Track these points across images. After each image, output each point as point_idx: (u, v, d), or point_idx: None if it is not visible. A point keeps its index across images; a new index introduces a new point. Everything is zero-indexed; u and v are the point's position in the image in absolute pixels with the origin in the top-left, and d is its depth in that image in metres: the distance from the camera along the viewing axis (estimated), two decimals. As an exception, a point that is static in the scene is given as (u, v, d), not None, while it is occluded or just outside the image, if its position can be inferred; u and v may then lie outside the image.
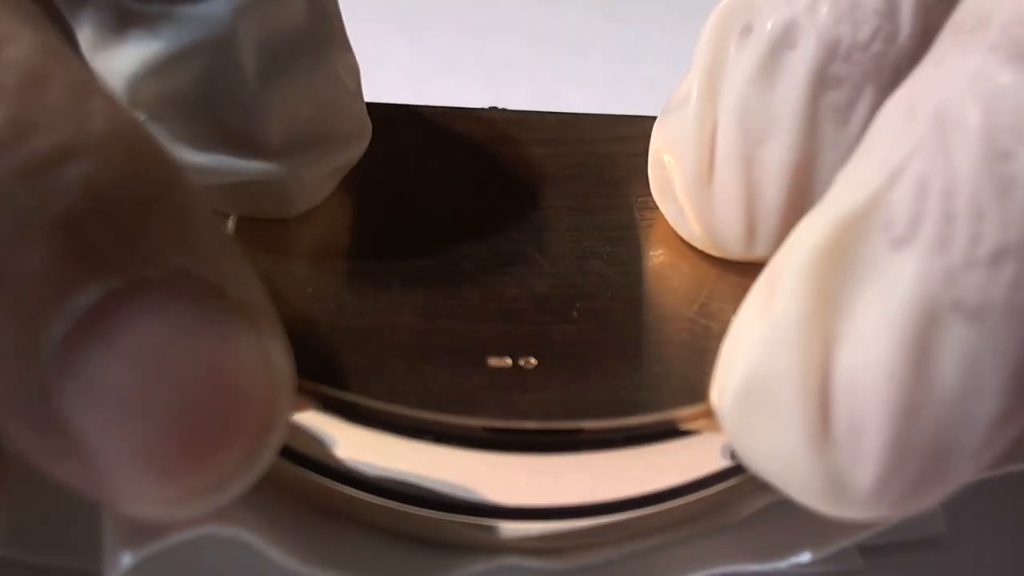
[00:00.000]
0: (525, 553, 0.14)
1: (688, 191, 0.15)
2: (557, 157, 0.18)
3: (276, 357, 0.10)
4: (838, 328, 0.11)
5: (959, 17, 0.11)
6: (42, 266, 0.09)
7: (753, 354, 0.11)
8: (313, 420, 0.13)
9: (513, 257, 0.15)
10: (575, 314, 0.14)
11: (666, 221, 0.16)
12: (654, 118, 0.18)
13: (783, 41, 0.14)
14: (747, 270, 0.15)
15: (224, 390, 0.10)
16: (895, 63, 0.14)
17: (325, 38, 0.15)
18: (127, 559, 0.12)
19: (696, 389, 0.13)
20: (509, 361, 0.13)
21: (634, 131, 0.18)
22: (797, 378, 0.11)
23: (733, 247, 0.15)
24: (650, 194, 0.16)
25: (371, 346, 0.13)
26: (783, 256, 0.12)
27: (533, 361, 0.13)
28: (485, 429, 0.13)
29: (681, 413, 0.13)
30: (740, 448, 0.12)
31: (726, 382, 0.12)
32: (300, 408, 0.13)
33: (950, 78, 0.11)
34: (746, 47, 0.14)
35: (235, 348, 0.10)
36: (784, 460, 0.11)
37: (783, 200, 0.14)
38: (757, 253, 0.15)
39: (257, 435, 0.10)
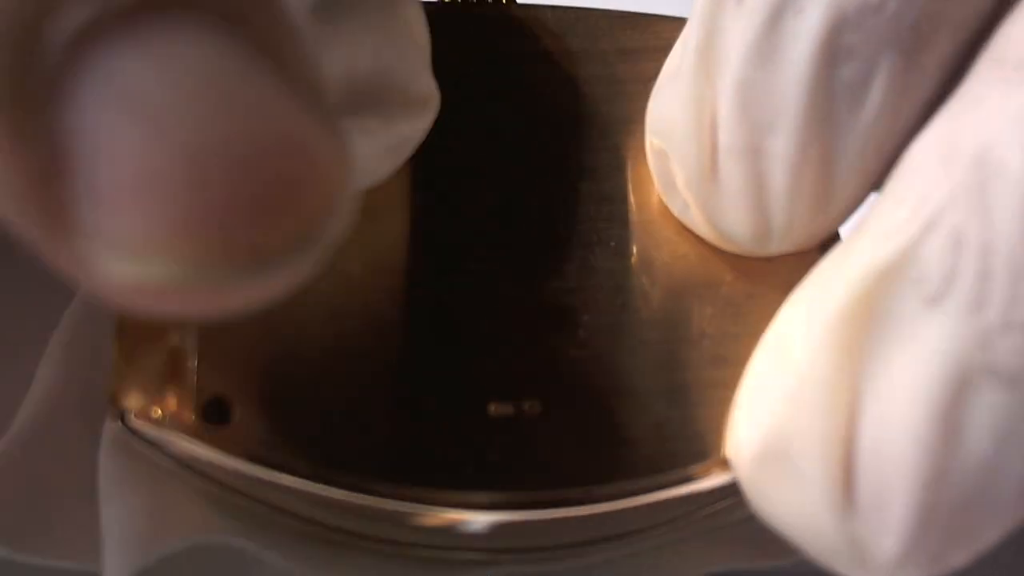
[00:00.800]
0: (522, 561, 0.14)
1: (690, 186, 0.13)
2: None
3: (341, 131, 0.08)
4: (864, 389, 0.10)
5: (1000, 50, 0.10)
6: None
7: (774, 416, 0.11)
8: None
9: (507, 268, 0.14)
10: (581, 332, 0.13)
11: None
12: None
13: (784, 6, 0.12)
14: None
15: (287, 143, 0.07)
16: (915, 26, 0.11)
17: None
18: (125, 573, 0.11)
19: (708, 438, 0.12)
20: (511, 409, 0.13)
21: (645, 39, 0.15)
22: (820, 443, 0.10)
23: (745, 244, 0.14)
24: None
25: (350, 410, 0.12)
26: (805, 301, 0.11)
27: (538, 407, 0.13)
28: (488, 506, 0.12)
29: (694, 471, 0.12)
30: (759, 506, 0.11)
31: (744, 439, 0.11)
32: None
33: (992, 119, 0.10)
34: (742, 17, 0.12)
35: (301, 102, 0.07)
36: (806, 524, 0.11)
37: (796, 194, 0.13)
38: (771, 250, 0.14)
39: (322, 206, 0.08)
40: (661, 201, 0.14)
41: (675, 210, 0.14)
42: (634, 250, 0.14)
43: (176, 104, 0.07)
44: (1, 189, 0.07)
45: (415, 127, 0.13)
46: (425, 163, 0.14)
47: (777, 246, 0.13)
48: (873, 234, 0.11)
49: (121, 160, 0.07)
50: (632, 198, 0.14)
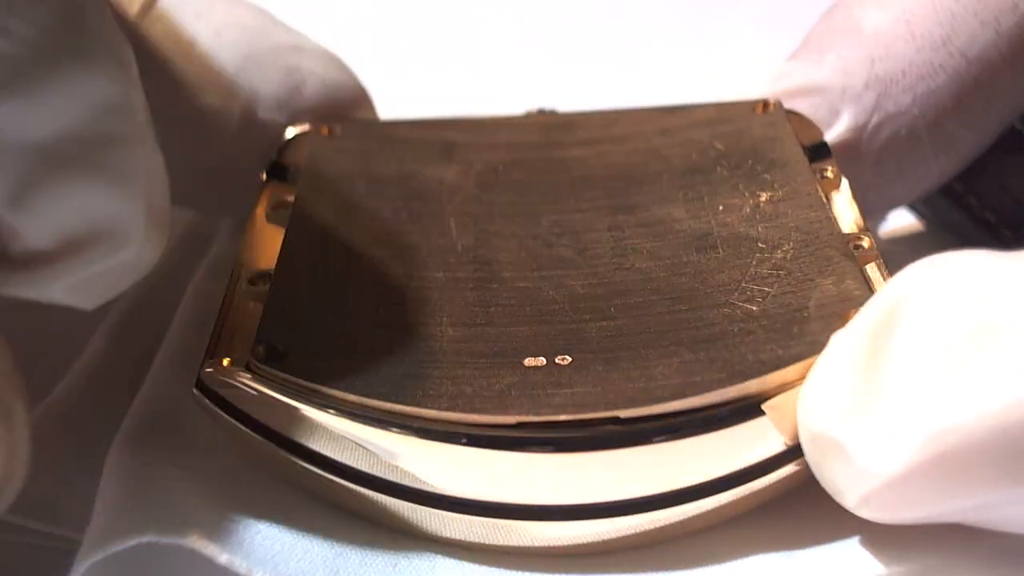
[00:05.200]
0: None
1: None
2: (600, 156, 0.18)
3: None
4: None
5: None
6: None
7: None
8: (350, 428, 0.13)
9: (552, 261, 0.15)
10: (612, 310, 0.14)
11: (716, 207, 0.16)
12: (698, 106, 0.17)
13: None
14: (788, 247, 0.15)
15: None
16: None
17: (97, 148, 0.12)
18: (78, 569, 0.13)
19: (736, 371, 0.13)
20: (543, 360, 0.13)
21: (678, 121, 0.18)
22: None
23: None
24: (699, 182, 0.17)
25: (407, 355, 0.14)
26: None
27: (568, 359, 0.13)
28: (518, 425, 0.13)
29: (714, 396, 0.13)
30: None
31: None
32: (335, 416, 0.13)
33: None
34: None
35: None
36: None
37: None
38: None
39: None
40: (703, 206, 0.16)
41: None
42: (669, 251, 0.15)
43: None
44: None
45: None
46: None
47: None
48: None
49: None
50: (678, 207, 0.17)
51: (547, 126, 0.19)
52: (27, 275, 0.12)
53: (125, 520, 0.13)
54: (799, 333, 0.13)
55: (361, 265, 0.15)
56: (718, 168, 0.17)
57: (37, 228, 0.12)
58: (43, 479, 0.15)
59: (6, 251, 0.12)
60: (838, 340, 0.13)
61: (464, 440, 0.13)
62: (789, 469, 0.14)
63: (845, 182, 0.17)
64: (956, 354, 0.11)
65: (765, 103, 0.19)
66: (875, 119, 0.19)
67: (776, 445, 0.13)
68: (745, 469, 0.14)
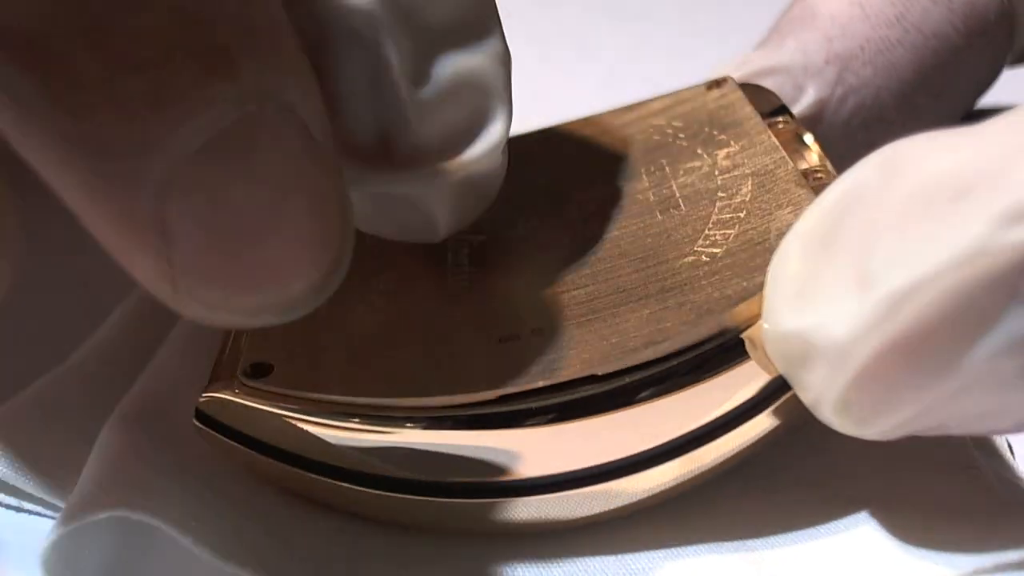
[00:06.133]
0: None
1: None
2: (565, 159, 0.19)
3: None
4: None
5: None
6: (191, 75, 0.09)
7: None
8: (343, 433, 0.13)
9: (517, 242, 0.16)
10: (582, 279, 0.15)
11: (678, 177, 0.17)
12: (655, 98, 0.18)
13: None
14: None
15: (323, 216, 0.10)
16: None
17: (480, 29, 0.13)
18: (50, 535, 0.13)
19: (704, 310, 0.13)
20: (519, 336, 0.14)
21: (637, 114, 0.19)
22: None
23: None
24: (659, 156, 0.17)
25: (385, 345, 0.14)
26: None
27: (542, 330, 0.14)
28: (501, 399, 0.13)
29: (685, 337, 0.13)
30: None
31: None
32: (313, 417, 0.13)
33: None
34: None
35: (334, 184, 0.11)
36: None
37: None
38: None
39: (335, 264, 0.11)
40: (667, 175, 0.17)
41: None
42: (636, 219, 0.16)
43: (253, 208, 0.10)
44: (141, 277, 0.10)
45: (495, 160, 0.14)
46: None
47: None
48: None
49: (210, 248, 0.10)
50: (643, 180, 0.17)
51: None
52: (412, 170, 0.13)
53: (100, 494, 0.13)
54: (762, 264, 0.13)
55: None
56: (677, 141, 0.18)
57: (428, 115, 0.13)
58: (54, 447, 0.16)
59: (395, 145, 0.13)
60: (790, 235, 0.12)
61: (449, 424, 0.13)
62: (777, 404, 0.14)
63: (802, 129, 0.17)
64: (908, 216, 0.11)
65: (717, 81, 0.19)
66: (839, 91, 0.20)
67: (761, 381, 0.13)
68: (735, 411, 0.14)
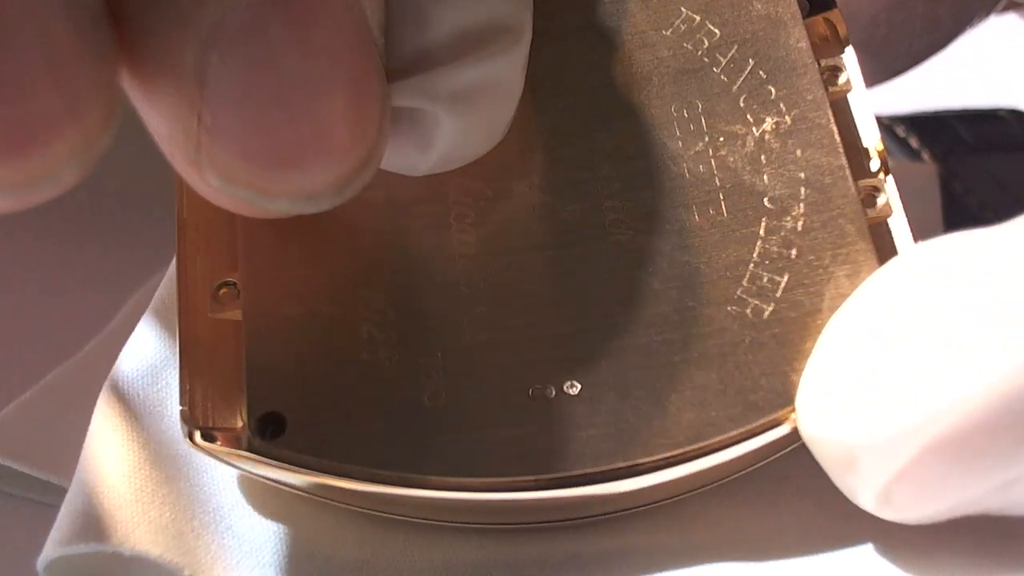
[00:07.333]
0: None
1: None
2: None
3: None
4: None
5: None
6: None
7: None
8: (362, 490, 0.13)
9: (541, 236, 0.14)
10: (613, 304, 0.13)
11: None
12: None
13: None
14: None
15: (363, 107, 0.10)
16: None
17: None
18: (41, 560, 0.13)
19: (750, 403, 0.13)
20: (553, 391, 0.13)
21: None
22: None
23: None
24: (693, 91, 0.15)
25: (406, 410, 0.13)
26: None
27: (577, 386, 0.13)
28: (536, 483, 0.13)
29: (730, 435, 0.13)
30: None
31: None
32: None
33: None
34: None
35: (379, 80, 0.10)
36: None
37: None
38: None
39: (364, 161, 0.10)
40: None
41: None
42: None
43: (298, 77, 0.09)
44: (165, 135, 0.10)
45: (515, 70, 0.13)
46: None
47: None
48: None
49: (240, 109, 0.09)
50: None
51: None
52: (422, 75, 0.12)
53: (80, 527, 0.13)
54: (810, 349, 0.13)
55: (342, 297, 0.14)
56: (714, 69, 0.15)
57: (441, 9, 0.12)
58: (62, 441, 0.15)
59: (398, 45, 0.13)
60: (826, 338, 0.13)
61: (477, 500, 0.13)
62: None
63: (858, 86, 0.15)
64: (948, 332, 0.11)
65: None
66: None
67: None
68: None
